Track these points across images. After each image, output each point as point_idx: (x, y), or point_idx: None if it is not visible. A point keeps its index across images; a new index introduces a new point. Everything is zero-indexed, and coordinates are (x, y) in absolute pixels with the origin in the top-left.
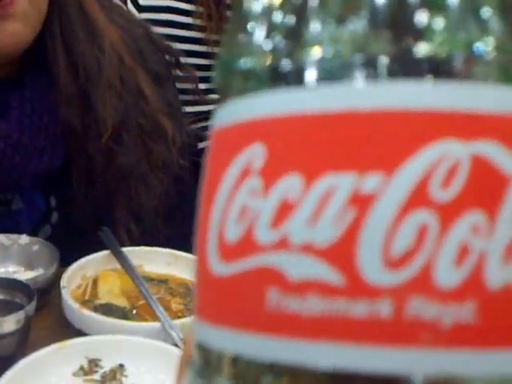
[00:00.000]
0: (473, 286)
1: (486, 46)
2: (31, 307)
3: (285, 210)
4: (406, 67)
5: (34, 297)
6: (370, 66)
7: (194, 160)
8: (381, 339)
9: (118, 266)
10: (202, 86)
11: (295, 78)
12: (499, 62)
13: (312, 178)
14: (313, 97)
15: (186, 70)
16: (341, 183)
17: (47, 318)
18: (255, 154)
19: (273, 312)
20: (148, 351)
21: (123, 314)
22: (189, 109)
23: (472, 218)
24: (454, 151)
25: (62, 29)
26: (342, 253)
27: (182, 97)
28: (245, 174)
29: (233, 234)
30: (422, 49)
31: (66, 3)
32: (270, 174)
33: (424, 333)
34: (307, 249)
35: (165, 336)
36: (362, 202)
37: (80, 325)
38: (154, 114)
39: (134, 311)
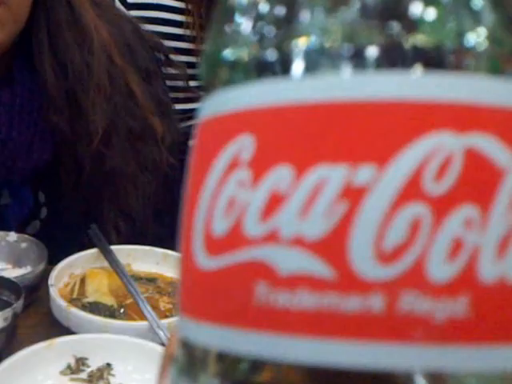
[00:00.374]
0: (466, 280)
1: (478, 37)
2: (19, 305)
3: (274, 202)
4: (398, 58)
5: (21, 294)
6: (361, 56)
7: (183, 158)
8: (373, 335)
9: (106, 264)
10: (192, 83)
11: (283, 68)
12: (492, 53)
13: (303, 170)
14: (303, 87)
15: (177, 68)
16: (332, 175)
17: (35, 316)
18: (243, 145)
19: (261, 307)
20: (135, 350)
21: (111, 313)
22: (179, 106)
23: (465, 211)
24: (447, 144)
25: (48, 26)
26: (333, 246)
27: (173, 94)
28: (233, 165)
29: (220, 227)
30: (414, 39)
31: None
32: (259, 166)
33: (417, 328)
34: (297, 242)
35: (152, 335)
36: (353, 195)
37: (68, 323)
38: (144, 115)
39: (122, 310)
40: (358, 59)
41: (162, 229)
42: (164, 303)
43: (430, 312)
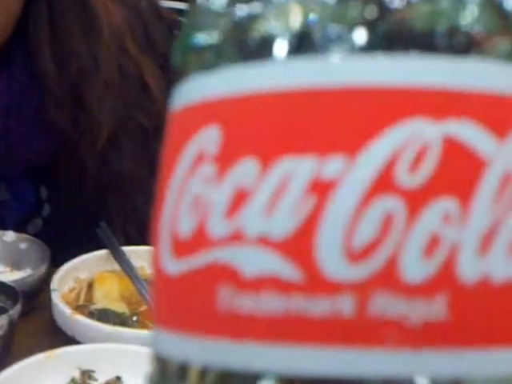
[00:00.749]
0: (444, 279)
1: (453, 18)
2: (15, 311)
3: (239, 199)
4: (368, 41)
5: (18, 300)
6: (328, 40)
7: None
8: (343, 340)
9: (116, 266)
10: None
11: (247, 54)
12: (473, 35)
13: (268, 163)
14: (266, 74)
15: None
16: (299, 168)
17: (35, 324)
18: (209, 137)
19: (225, 313)
20: (146, 361)
21: (122, 321)
22: None
23: (443, 205)
24: (423, 131)
25: (50, 10)
26: (299, 245)
27: None
28: (198, 159)
29: (185, 227)
30: (384, 22)
31: None
32: (224, 160)
33: (390, 332)
34: (262, 242)
35: None
36: (321, 189)
37: (72, 332)
38: (159, 111)
39: (135, 318)
40: (325, 43)
41: None
42: None
43: (405, 314)
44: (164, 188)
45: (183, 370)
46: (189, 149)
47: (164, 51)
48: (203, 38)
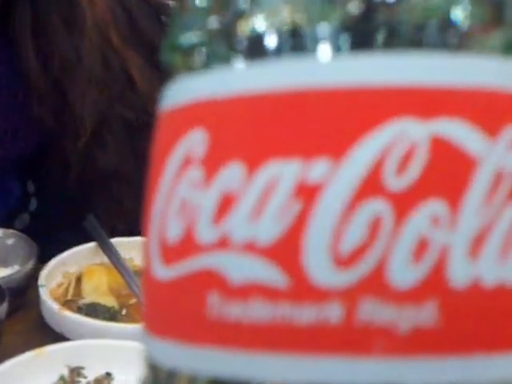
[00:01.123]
0: (433, 284)
1: (450, 14)
2: (2, 309)
3: (226, 204)
4: (352, 39)
5: (5, 297)
6: (312, 39)
7: None
8: (330, 348)
9: (105, 259)
10: None
11: (231, 56)
12: (462, 29)
13: (254, 167)
14: (251, 76)
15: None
16: (285, 172)
17: (23, 322)
18: (196, 140)
19: (213, 320)
20: (139, 357)
21: (111, 315)
22: None
23: (432, 207)
24: (410, 132)
25: (33, 7)
26: (286, 251)
27: None
28: (186, 163)
29: (173, 232)
30: (367, 19)
31: None
32: (210, 164)
33: (378, 340)
34: (249, 248)
35: None
36: (307, 194)
37: (61, 328)
38: (144, 105)
39: (124, 311)
40: (309, 43)
41: None
42: None
43: (394, 321)
44: (153, 191)
45: (173, 376)
46: (176, 152)
47: (151, 38)
48: (189, 37)
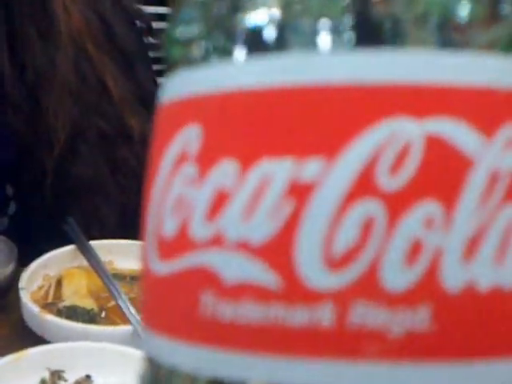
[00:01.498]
0: (427, 288)
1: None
2: None
3: (220, 201)
4: (347, 35)
5: None
6: (306, 35)
7: None
8: (322, 352)
9: (84, 262)
10: None
11: (229, 50)
12: (458, 25)
13: (248, 165)
14: (246, 71)
15: (159, 36)
16: (278, 171)
17: (3, 326)
18: (191, 136)
19: (207, 319)
20: (118, 359)
21: (91, 318)
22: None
23: (426, 208)
24: (404, 131)
25: (7, 12)
26: (278, 251)
27: (157, 67)
28: (181, 159)
29: (169, 227)
30: (363, 14)
31: None
32: (205, 160)
33: (370, 344)
34: (242, 247)
35: (138, 341)
36: (300, 193)
37: (41, 331)
38: (119, 114)
39: (104, 314)
40: (303, 38)
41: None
42: None
43: (386, 325)
44: (149, 187)
45: (171, 374)
46: (172, 147)
47: (127, 47)
48: (187, 30)
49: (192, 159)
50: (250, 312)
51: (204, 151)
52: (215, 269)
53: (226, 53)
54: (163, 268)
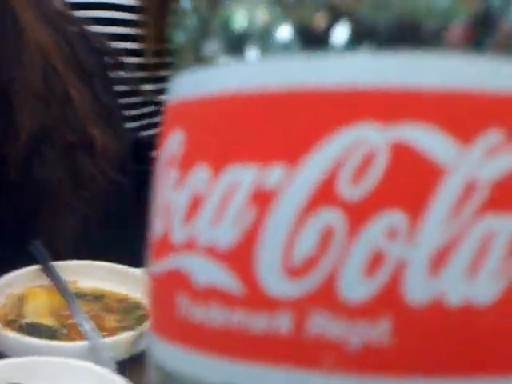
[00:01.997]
0: (388, 300)
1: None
2: None
3: (194, 206)
4: (310, 39)
5: None
6: (271, 39)
7: (142, 169)
8: (279, 359)
9: (46, 282)
10: (148, 86)
11: (208, 55)
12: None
13: (218, 171)
14: (219, 76)
15: (127, 70)
16: (243, 177)
17: None
18: (176, 141)
19: (182, 320)
20: (74, 373)
21: (52, 334)
22: (135, 112)
23: (389, 219)
24: (368, 138)
25: None
26: (241, 258)
27: (127, 100)
28: (169, 163)
29: (158, 229)
30: (326, 16)
31: None
32: (184, 165)
33: (328, 354)
34: (210, 252)
35: (95, 356)
36: (262, 200)
37: (3, 347)
38: (82, 126)
39: (65, 331)
40: (268, 42)
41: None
42: (110, 321)
43: (344, 336)
44: (153, 191)
45: (158, 370)
46: (164, 150)
47: (90, 70)
48: (179, 36)
49: (175, 164)
50: (216, 316)
51: (184, 156)
52: (188, 272)
53: (210, 59)
54: (154, 268)
